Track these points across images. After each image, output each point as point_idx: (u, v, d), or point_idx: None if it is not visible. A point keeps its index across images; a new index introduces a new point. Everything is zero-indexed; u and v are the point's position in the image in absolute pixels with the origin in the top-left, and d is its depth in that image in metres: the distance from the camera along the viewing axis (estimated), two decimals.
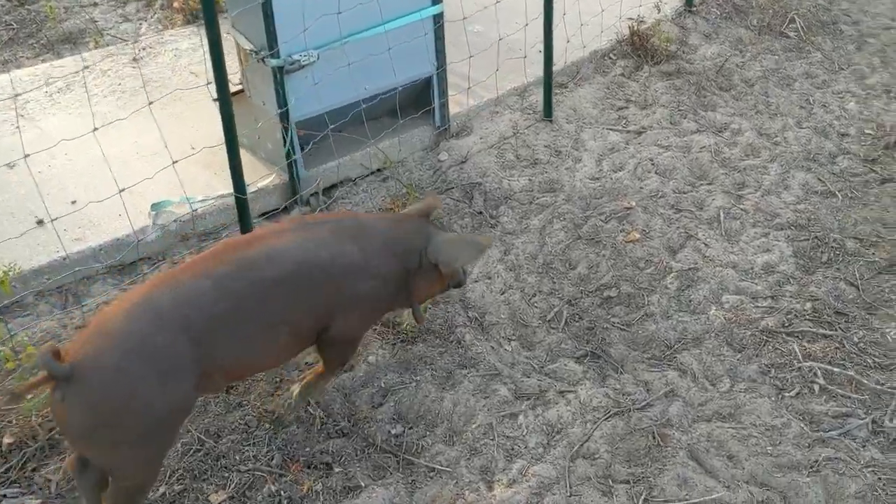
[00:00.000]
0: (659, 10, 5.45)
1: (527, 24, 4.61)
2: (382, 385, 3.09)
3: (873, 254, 3.78)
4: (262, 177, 3.88)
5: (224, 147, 3.25)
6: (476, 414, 2.98)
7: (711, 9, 5.82)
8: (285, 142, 3.77)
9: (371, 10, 3.77)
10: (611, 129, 4.59)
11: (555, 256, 3.76)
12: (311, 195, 4.01)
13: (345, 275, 2.66)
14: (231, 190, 3.36)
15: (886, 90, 5.16)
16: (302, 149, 3.87)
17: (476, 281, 3.61)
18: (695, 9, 5.75)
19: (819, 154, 4.52)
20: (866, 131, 4.73)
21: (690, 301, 3.53)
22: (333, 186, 4.11)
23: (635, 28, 5.22)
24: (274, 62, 3.59)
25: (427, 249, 2.83)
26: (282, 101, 3.67)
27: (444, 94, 4.34)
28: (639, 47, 5.21)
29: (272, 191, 3.92)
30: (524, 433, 2.92)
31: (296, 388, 2.94)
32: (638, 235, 3.87)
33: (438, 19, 4.11)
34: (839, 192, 4.21)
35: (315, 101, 3.80)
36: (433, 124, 4.38)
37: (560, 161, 4.33)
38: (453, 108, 4.46)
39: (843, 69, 5.40)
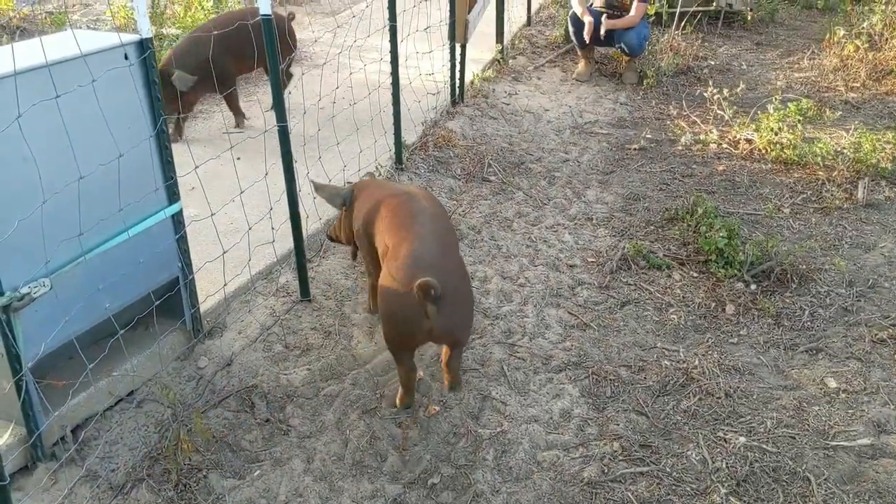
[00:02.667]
0: (379, 172, 5.53)
1: (271, 209, 4.37)
2: None
3: (644, 378, 4.01)
4: None
5: None
6: None
7: (419, 164, 6.05)
8: (20, 391, 3.06)
9: (106, 221, 3.27)
10: None
11: (363, 451, 3.45)
12: (55, 444, 3.29)
13: None
14: None
15: (588, 218, 5.69)
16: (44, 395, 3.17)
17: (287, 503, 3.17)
18: (404, 166, 5.93)
19: (560, 288, 4.78)
20: (588, 259, 5.13)
21: (511, 468, 3.42)
22: (80, 427, 3.42)
23: None
24: None
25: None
26: (11, 344, 2.99)
27: (193, 294, 3.89)
28: None
29: (11, 448, 3.14)
30: None
31: None
32: (437, 408, 3.71)
33: (179, 217, 3.70)
34: (591, 322, 4.47)
35: (50, 333, 3.15)
36: (185, 328, 3.89)
37: (333, 342, 4.07)
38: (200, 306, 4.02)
39: (545, 204, 5.87)
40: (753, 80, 8.78)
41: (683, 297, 4.73)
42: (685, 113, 7.79)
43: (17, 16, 8.84)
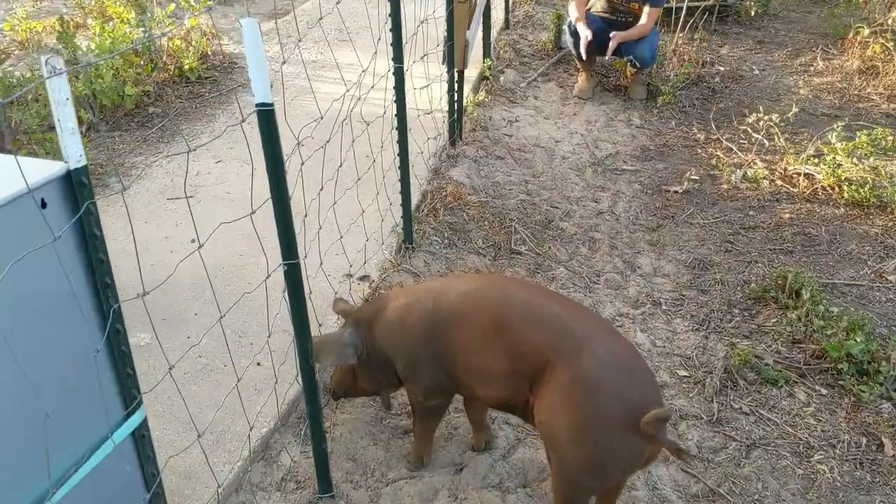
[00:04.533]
0: (388, 263, 4.18)
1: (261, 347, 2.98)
2: None
3: None
4: None
5: None
6: None
7: (431, 238, 4.71)
8: None
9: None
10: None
11: None
12: None
13: None
14: None
15: (654, 302, 4.46)
16: None
17: None
18: (415, 244, 4.58)
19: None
20: (679, 373, 3.91)
21: None
22: None
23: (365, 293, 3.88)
24: None
25: None
26: None
27: None
28: None
29: None
30: None
31: None
32: None
33: (142, 429, 2.32)
34: (720, 486, 3.25)
35: None
36: None
37: None
38: None
39: (595, 283, 4.62)
40: (773, 90, 7.68)
41: (823, 432, 3.54)
42: (714, 136, 6.63)
43: None
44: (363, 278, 4.22)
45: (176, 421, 3.27)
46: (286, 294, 2.67)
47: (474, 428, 3.25)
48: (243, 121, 2.30)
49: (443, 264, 4.50)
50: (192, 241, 4.68)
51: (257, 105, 2.31)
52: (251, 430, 3.11)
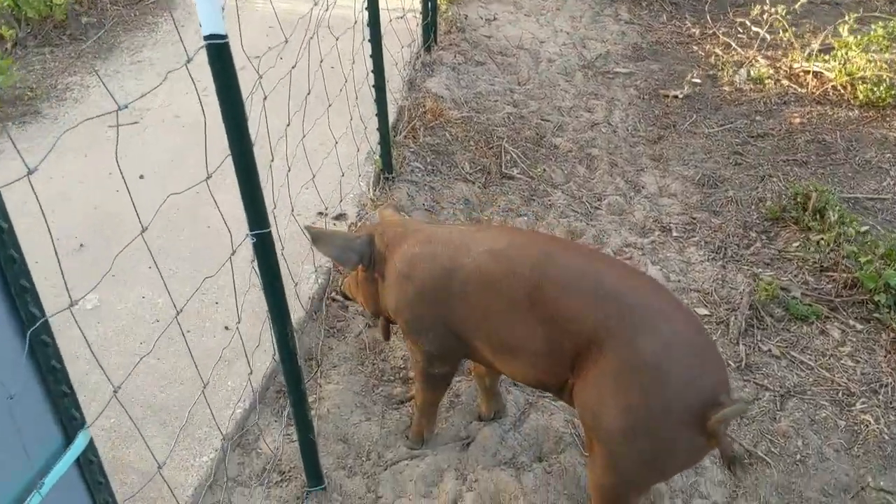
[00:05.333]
0: (367, 196, 3.67)
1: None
2: None
3: None
4: None
5: None
6: None
7: (412, 164, 4.17)
8: None
9: None
10: None
11: None
12: None
13: None
14: None
15: (663, 228, 4.03)
16: None
17: None
18: (394, 173, 4.06)
19: None
20: (699, 312, 3.51)
21: None
22: None
23: None
24: None
25: None
26: None
27: None
28: None
29: None
30: None
31: None
32: None
33: (89, 455, 1.86)
34: (759, 447, 2.90)
35: None
36: None
37: None
38: None
39: (597, 208, 4.16)
40: None
41: (863, 376, 3.19)
42: (710, 30, 6.07)
43: None
44: (339, 217, 3.71)
45: (133, 403, 2.80)
46: (255, 265, 2.17)
47: (483, 395, 2.84)
48: (189, 61, 1.74)
49: (428, 195, 4.00)
50: (141, 177, 4.11)
51: (206, 38, 1.75)
52: (233, 412, 2.66)
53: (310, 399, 2.83)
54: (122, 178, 1.78)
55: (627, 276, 2.16)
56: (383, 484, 2.63)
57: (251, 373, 2.67)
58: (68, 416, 1.85)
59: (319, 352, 3.10)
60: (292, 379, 2.33)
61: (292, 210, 3.09)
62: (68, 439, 1.86)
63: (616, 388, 2.00)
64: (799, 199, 4.03)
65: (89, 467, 1.95)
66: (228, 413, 2.76)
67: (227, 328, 3.14)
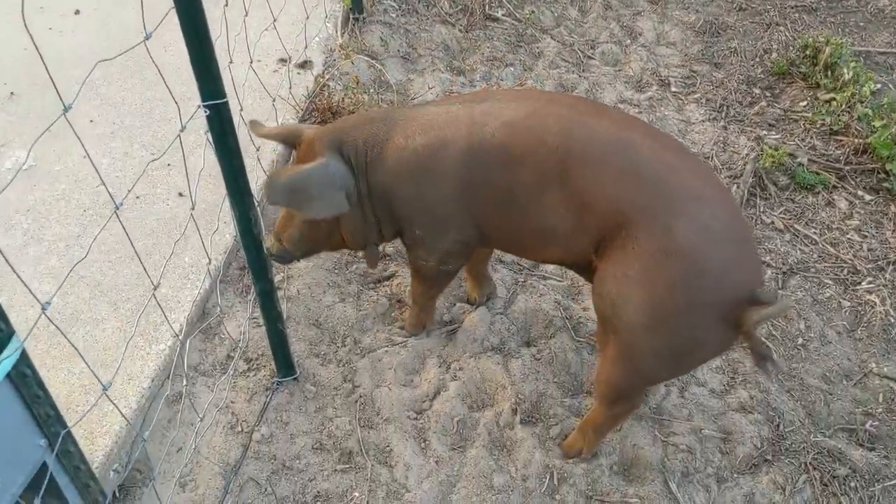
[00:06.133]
0: (333, 38, 3.24)
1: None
2: None
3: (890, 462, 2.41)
4: None
5: None
6: None
7: (386, 5, 3.70)
8: None
9: None
10: None
11: None
12: None
13: None
14: None
15: (661, 81, 3.69)
16: None
17: None
18: (365, 13, 3.60)
19: None
20: None
21: None
22: None
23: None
24: None
25: None
26: None
27: (79, 467, 1.87)
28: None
29: None
30: None
31: None
32: None
33: (23, 366, 1.60)
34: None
35: None
36: None
37: (367, 471, 2.20)
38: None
39: (590, 57, 3.78)
40: None
41: (869, 252, 3.00)
42: None
43: None
44: (304, 64, 3.29)
45: (80, 282, 2.50)
46: (209, 137, 1.82)
47: (473, 280, 2.58)
48: None
49: (404, 40, 3.57)
50: (77, 12, 3.61)
51: None
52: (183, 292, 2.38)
53: (277, 278, 2.56)
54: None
55: (663, 149, 1.85)
56: (360, 373, 2.42)
57: (210, 262, 2.37)
58: None
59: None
60: (258, 269, 2.04)
61: (251, 62, 2.67)
62: None
63: (643, 275, 1.75)
64: (808, 52, 3.69)
65: (24, 381, 1.69)
66: (186, 294, 2.48)
67: (181, 194, 2.80)
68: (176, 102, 1.66)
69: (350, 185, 2.03)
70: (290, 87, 3.01)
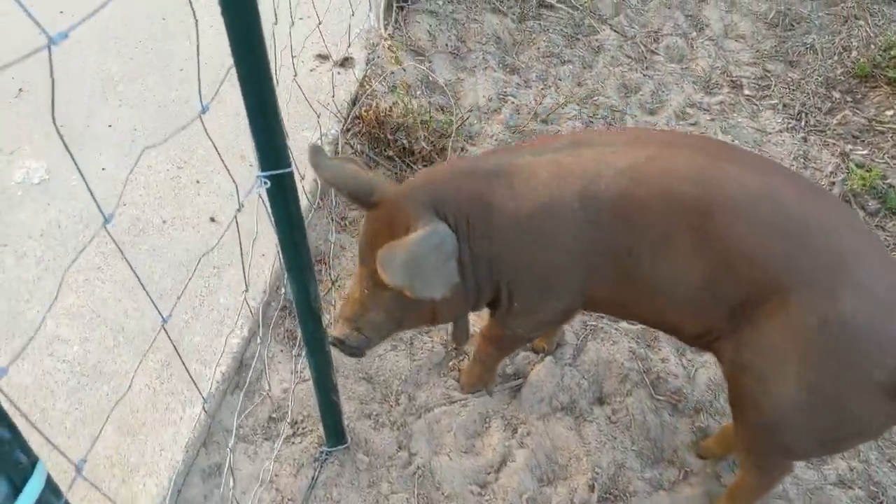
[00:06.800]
0: (373, 36, 2.89)
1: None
2: None
3: None
4: None
5: None
6: None
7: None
8: None
9: None
10: None
11: None
12: None
13: None
14: None
15: (732, 82, 3.36)
16: None
17: None
18: (408, 3, 3.25)
19: None
20: None
21: None
22: None
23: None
24: None
25: None
26: None
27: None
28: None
29: None
30: None
31: None
32: None
33: (46, 497, 1.32)
34: None
35: None
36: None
37: None
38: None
39: (655, 52, 3.44)
40: None
41: None
42: None
43: None
44: (345, 62, 2.96)
45: (97, 322, 2.22)
46: (263, 198, 1.51)
47: None
48: None
49: (452, 32, 3.22)
50: None
51: None
52: (225, 340, 2.10)
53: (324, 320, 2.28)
54: None
55: (811, 198, 1.55)
56: (416, 437, 2.15)
57: (250, 310, 2.08)
58: (13, 464, 1.29)
59: (330, 254, 2.50)
60: (313, 343, 1.76)
61: (293, 60, 2.34)
62: (16, 489, 1.31)
63: (796, 349, 1.49)
64: (894, 53, 3.35)
65: None
66: (221, 342, 2.20)
67: (212, 219, 2.50)
68: (234, 181, 1.36)
69: (456, 253, 1.69)
70: (333, 94, 2.68)
